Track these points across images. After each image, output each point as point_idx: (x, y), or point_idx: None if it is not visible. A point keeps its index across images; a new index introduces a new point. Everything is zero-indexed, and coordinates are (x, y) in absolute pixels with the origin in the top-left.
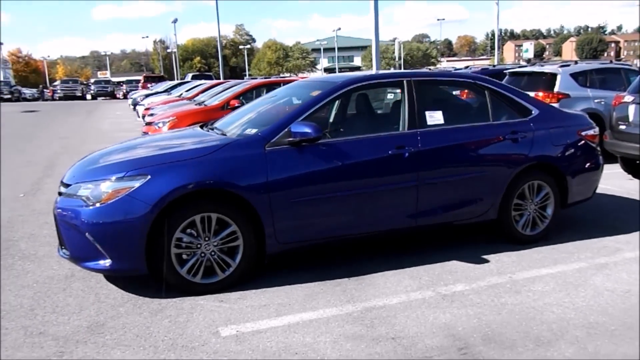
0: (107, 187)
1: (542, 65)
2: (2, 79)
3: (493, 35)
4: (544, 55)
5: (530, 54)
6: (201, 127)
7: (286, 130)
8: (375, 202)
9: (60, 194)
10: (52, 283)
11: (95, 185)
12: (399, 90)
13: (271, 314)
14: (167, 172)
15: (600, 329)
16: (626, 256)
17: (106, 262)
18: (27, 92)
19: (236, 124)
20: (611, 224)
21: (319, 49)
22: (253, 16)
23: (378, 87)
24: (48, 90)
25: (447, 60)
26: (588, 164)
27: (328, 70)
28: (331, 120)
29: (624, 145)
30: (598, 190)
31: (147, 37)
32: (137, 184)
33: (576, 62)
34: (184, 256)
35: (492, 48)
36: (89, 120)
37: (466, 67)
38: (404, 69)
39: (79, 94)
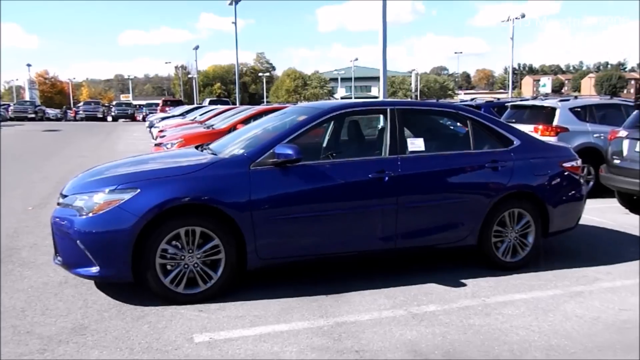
0: (99, 198)
1: (542, 100)
2: (28, 99)
3: (512, 69)
4: (562, 91)
5: (547, 89)
6: (196, 147)
7: (270, 151)
8: (354, 223)
9: (58, 204)
10: (46, 288)
11: (89, 197)
12: (382, 118)
13: (245, 324)
14: (156, 187)
15: (560, 351)
16: (603, 285)
17: (94, 269)
18: (51, 112)
19: (228, 145)
20: (596, 255)
21: (337, 79)
22: (276, 44)
23: (361, 114)
24: (71, 111)
25: (465, 93)
26: (570, 194)
27: (345, 99)
28: (324, 144)
29: (618, 180)
30: (592, 223)
31: (169, 62)
32: (127, 196)
33: (576, 97)
34: (169, 267)
35: (513, 82)
36: (107, 141)
37: (472, 99)
38: (420, 100)
39: (100, 115)
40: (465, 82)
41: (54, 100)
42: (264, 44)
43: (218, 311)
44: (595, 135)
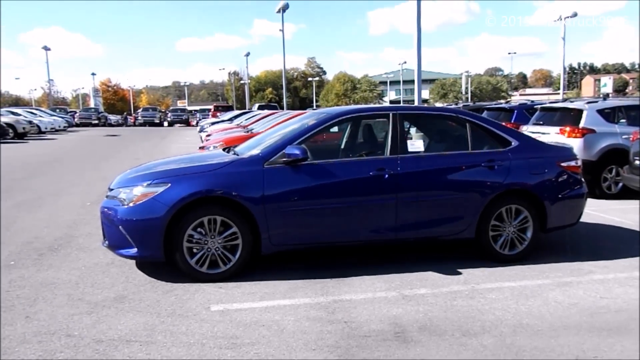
0: (138, 191)
1: (572, 102)
2: (93, 106)
3: (570, 69)
4: (626, 90)
5: (608, 89)
6: (224, 149)
7: (282, 152)
8: (357, 215)
9: (106, 196)
10: (96, 267)
11: (130, 190)
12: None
13: (255, 299)
14: (183, 182)
15: (527, 329)
16: (594, 278)
17: (133, 250)
18: (113, 118)
19: (250, 147)
20: (601, 252)
21: (386, 82)
22: (327, 49)
23: (366, 118)
24: (131, 117)
25: (520, 94)
26: (568, 192)
27: (393, 102)
28: (342, 146)
29: (638, 180)
30: (611, 223)
31: (223, 69)
32: (160, 189)
33: (604, 99)
34: (194, 250)
35: (569, 82)
36: (160, 144)
37: (507, 102)
38: (471, 102)
39: (157, 120)
40: (522, 82)
41: (116, 106)
42: (315, 49)
43: (235, 288)
44: (624, 137)
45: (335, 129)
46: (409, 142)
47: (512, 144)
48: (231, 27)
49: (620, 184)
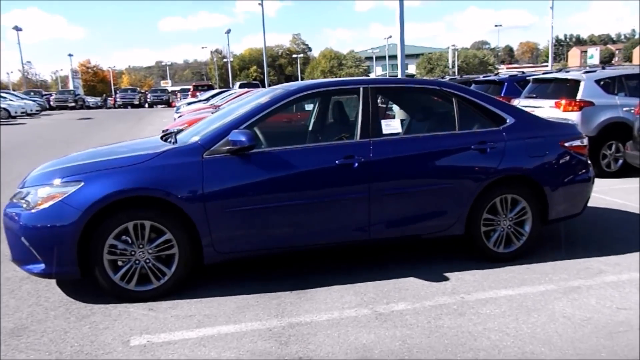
0: (44, 192)
1: (567, 72)
2: (68, 89)
3: (557, 40)
4: (612, 61)
5: (595, 60)
6: (162, 137)
7: (226, 138)
8: (321, 213)
9: (12, 197)
10: (6, 284)
11: (35, 190)
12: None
13: (191, 325)
14: (100, 179)
15: None
16: (606, 279)
17: (40, 266)
18: (91, 100)
19: (194, 133)
20: (608, 243)
21: (372, 57)
22: (313, 26)
23: (330, 94)
24: (111, 99)
25: (507, 68)
26: (573, 177)
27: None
28: (310, 128)
29: None
30: (613, 206)
31: (205, 47)
32: (70, 190)
33: (603, 68)
34: (119, 263)
35: (555, 54)
36: (134, 127)
37: (496, 74)
38: (458, 75)
39: (136, 102)
40: (508, 56)
41: (97, 88)
42: (301, 26)
43: (169, 310)
44: (625, 109)
45: (309, 107)
46: (383, 122)
47: (507, 121)
48: (215, 5)
49: (621, 161)
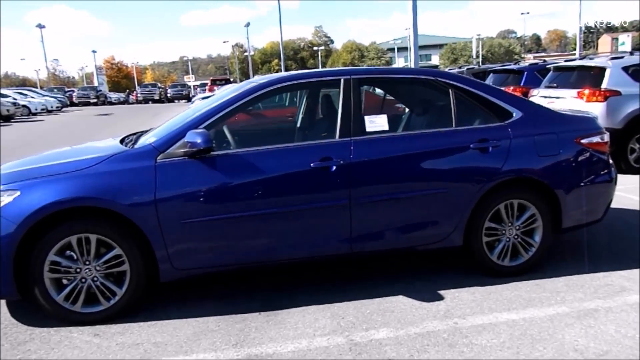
0: None
1: (591, 58)
2: (89, 86)
3: (586, 28)
4: None
5: (627, 47)
6: (121, 140)
7: (183, 140)
8: (294, 224)
9: None
10: None
11: None
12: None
13: (135, 357)
14: (37, 188)
15: None
16: (629, 300)
17: None
18: (114, 96)
19: (158, 134)
20: (634, 254)
21: (394, 48)
22: (336, 18)
23: (304, 88)
24: (133, 95)
25: (534, 57)
26: (591, 179)
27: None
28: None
29: None
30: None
31: (227, 41)
32: (5, 200)
33: (632, 53)
34: (64, 281)
35: (585, 42)
36: (149, 122)
37: (515, 63)
38: (475, 65)
39: (157, 97)
40: (536, 44)
41: (121, 84)
42: (323, 18)
43: (116, 336)
44: None
45: (282, 102)
46: (367, 118)
47: (514, 115)
48: None
49: None
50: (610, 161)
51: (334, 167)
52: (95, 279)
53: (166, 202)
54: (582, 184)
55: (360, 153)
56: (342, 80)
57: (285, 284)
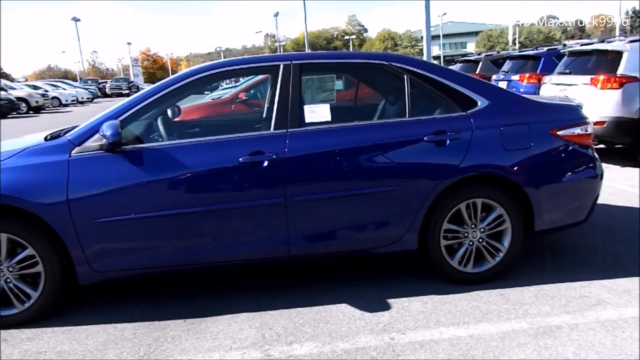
0: None
1: (609, 42)
2: (126, 76)
3: (634, 12)
4: None
5: None
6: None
7: (98, 133)
8: (223, 224)
9: None
10: None
11: None
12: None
13: None
14: None
15: None
16: (601, 316)
17: None
18: (146, 87)
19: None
20: (625, 260)
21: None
22: (370, 4)
23: (237, 75)
24: None
25: (577, 43)
26: (570, 175)
27: (435, 58)
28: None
29: None
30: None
31: (260, 31)
32: None
33: None
34: None
35: (631, 27)
36: None
37: (535, 48)
38: (495, 51)
39: None
40: (579, 30)
41: (156, 75)
42: (356, 5)
43: (24, 342)
44: None
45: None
46: (306, 108)
47: (479, 104)
48: None
49: None
50: (596, 155)
51: (266, 162)
52: (8, 280)
53: (79, 199)
54: (559, 181)
55: (296, 147)
56: (281, 66)
57: (222, 289)
